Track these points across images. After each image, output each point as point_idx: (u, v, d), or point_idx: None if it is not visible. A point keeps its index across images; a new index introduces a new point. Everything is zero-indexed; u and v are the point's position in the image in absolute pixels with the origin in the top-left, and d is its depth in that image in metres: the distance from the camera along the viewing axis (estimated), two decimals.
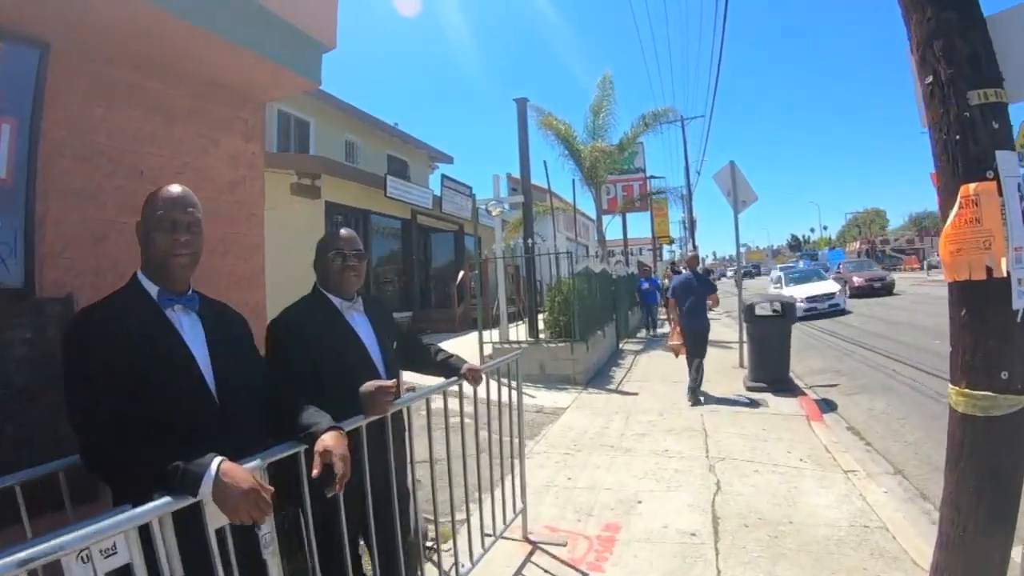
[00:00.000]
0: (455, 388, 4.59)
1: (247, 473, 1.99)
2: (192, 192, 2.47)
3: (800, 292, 23.01)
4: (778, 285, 27.44)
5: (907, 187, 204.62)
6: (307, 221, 15.46)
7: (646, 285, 20.78)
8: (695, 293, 10.41)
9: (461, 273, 14.22)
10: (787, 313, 10.51)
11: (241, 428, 2.35)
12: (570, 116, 21.23)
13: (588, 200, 23.07)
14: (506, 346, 12.29)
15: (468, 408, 4.99)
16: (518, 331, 12.92)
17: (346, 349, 3.17)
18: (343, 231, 3.35)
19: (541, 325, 13.16)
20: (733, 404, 9.74)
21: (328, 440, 2.39)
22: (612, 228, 29.09)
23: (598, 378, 12.52)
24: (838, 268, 34.66)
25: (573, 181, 21.64)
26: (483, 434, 5.13)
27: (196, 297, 2.45)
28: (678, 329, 10.57)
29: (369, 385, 2.92)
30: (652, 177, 30.31)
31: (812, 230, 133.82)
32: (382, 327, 3.41)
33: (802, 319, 18.02)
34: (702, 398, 10.07)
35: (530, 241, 12.93)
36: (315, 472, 2.32)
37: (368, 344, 3.25)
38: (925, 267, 46.33)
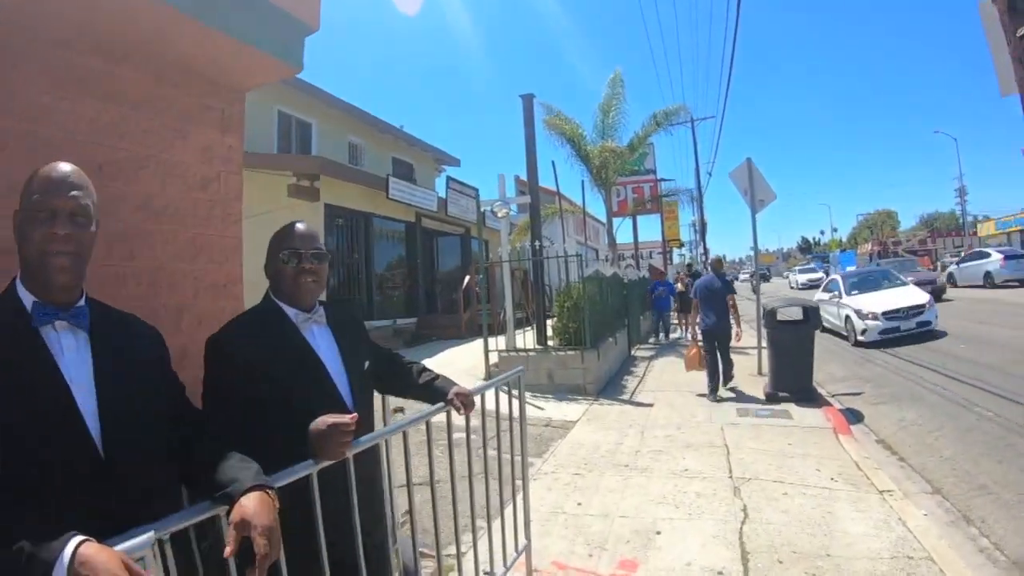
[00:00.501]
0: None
1: (113, 559, 1.38)
2: (82, 172, 1.90)
3: (874, 304, 16.17)
4: (834, 294, 18.62)
5: (917, 188, 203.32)
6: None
7: (659, 289, 19.98)
8: (717, 294, 10.92)
9: (467, 277, 13.74)
10: (810, 318, 9.97)
11: (137, 485, 1.76)
12: (579, 117, 20.49)
13: (598, 202, 22.60)
14: (512, 354, 11.81)
15: (468, 423, 4.40)
16: (525, 338, 12.40)
17: (300, 372, 2.48)
18: (299, 226, 2.68)
19: (550, 332, 12.60)
20: (755, 415, 9.20)
21: (248, 506, 1.75)
22: (622, 231, 28.58)
23: (610, 388, 11.98)
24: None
25: (582, 182, 21.12)
26: (483, 453, 4.80)
27: (86, 309, 1.85)
28: (697, 344, 11.29)
29: (320, 422, 2.21)
30: (663, 180, 29.73)
31: (822, 232, 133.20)
32: (350, 344, 2.73)
33: (875, 345, 15.23)
34: (722, 400, 10.47)
35: (537, 243, 12.40)
36: (227, 551, 1.68)
37: (330, 365, 2.57)
38: (939, 268, 45.45)
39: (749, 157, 12.64)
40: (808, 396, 9.91)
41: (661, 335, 20.18)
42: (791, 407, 9.55)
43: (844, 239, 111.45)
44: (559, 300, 12.20)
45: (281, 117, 18.93)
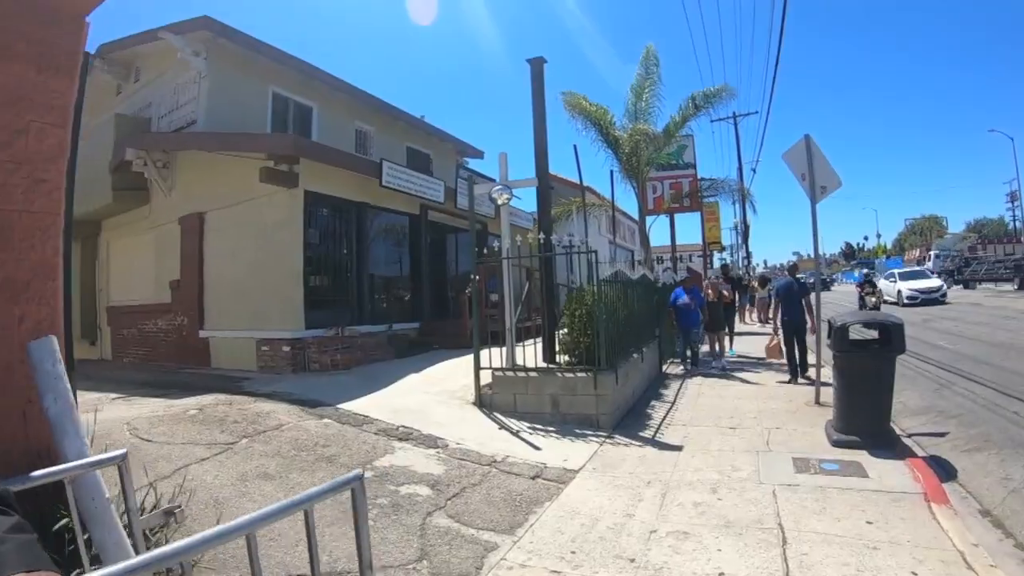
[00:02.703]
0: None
1: None
2: None
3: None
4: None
5: (967, 191, 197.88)
6: (281, 216, 13.20)
7: (684, 299, 14.29)
8: (795, 294, 12.39)
9: (475, 278, 11.67)
10: (892, 339, 7.58)
11: None
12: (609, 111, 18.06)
13: (629, 198, 20.17)
14: (509, 374, 9.61)
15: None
16: (527, 353, 10.14)
17: None
18: None
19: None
20: (818, 471, 6.84)
21: None
22: (660, 232, 26.27)
23: (631, 419, 9.67)
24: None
25: (611, 173, 18.65)
26: None
27: None
28: (778, 338, 13.43)
29: None
30: (703, 180, 27.17)
31: (866, 238, 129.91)
32: None
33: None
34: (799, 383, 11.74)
35: (542, 237, 10.10)
36: None
37: None
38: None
39: (808, 134, 10.32)
40: (885, 442, 7.60)
41: (686, 363, 14.77)
42: (864, 456, 7.23)
43: (889, 245, 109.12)
44: (568, 307, 9.96)
45: (276, 99, 17.17)
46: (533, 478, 6.94)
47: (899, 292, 32.14)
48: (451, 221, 18.03)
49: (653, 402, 10.89)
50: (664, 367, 14.36)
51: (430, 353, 14.49)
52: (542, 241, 9.95)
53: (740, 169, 39.54)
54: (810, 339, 12.07)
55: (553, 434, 8.65)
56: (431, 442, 8.10)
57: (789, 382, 12.17)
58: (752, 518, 5.56)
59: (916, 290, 31.31)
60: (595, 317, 9.23)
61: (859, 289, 26.67)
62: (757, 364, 14.68)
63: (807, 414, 9.45)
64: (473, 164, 25.86)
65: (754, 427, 8.84)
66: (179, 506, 3.40)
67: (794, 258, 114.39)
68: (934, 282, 32.70)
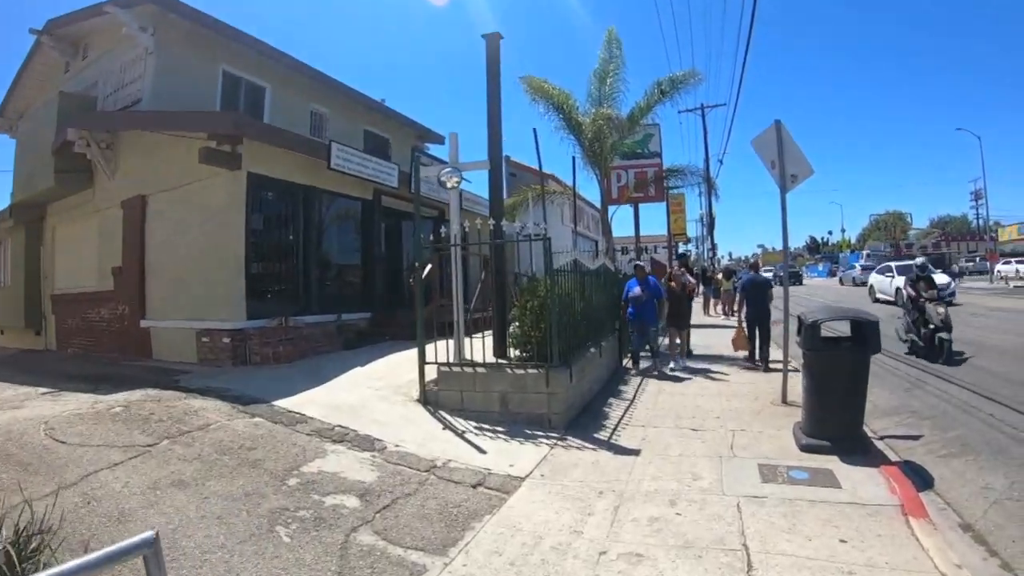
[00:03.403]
0: None
1: None
2: None
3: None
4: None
5: (931, 189, 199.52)
6: (223, 199, 12.49)
7: (635, 290, 12.63)
8: (760, 288, 13.19)
9: (428, 267, 10.97)
10: (868, 338, 7.02)
11: None
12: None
13: (593, 188, 19.56)
14: (456, 370, 8.94)
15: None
16: (479, 346, 9.45)
17: None
18: None
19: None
20: (786, 480, 6.26)
21: None
22: (626, 223, 25.69)
23: (586, 418, 9.03)
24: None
25: (573, 159, 17.89)
26: None
27: None
28: (743, 327, 13.49)
29: None
30: (669, 168, 26.50)
31: (830, 232, 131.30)
32: None
33: None
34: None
35: (492, 223, 9.41)
36: None
37: None
38: (956, 271, 43.56)
39: (779, 120, 9.73)
40: (858, 447, 7.04)
41: (636, 364, 13.23)
42: (835, 463, 6.68)
43: (853, 239, 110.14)
44: (521, 299, 9.29)
45: (227, 79, 16.34)
46: (474, 487, 6.31)
47: (897, 290, 25.70)
48: (407, 207, 17.16)
49: (611, 399, 10.26)
50: (624, 361, 13.70)
51: (381, 345, 13.77)
52: (492, 227, 9.27)
53: (707, 160, 39.14)
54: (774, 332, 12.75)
55: (501, 435, 8.00)
56: (367, 444, 7.44)
57: (755, 368, 12.87)
58: (714, 537, 4.95)
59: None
60: (548, 310, 8.58)
61: (910, 289, 15.41)
62: (721, 359, 14.12)
63: (773, 414, 8.88)
64: (435, 150, 25.21)
65: (717, 429, 8.25)
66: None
67: (759, 251, 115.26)
68: (940, 278, 24.55)
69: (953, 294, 25.53)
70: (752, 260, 21.30)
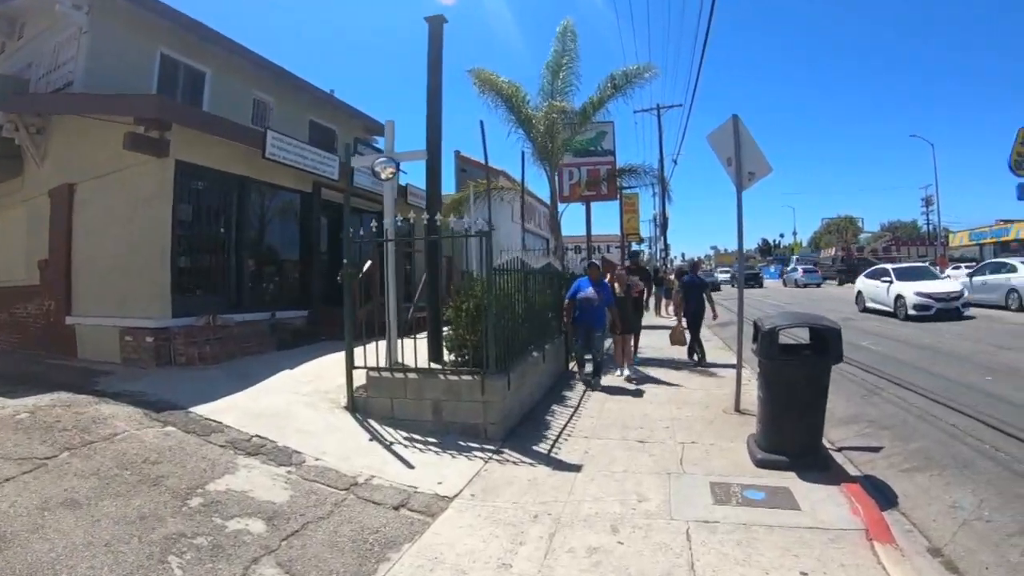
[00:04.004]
0: None
1: None
2: None
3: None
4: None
5: (884, 195, 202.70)
6: (150, 188, 11.61)
7: (588, 291, 11.28)
8: (698, 289, 14.16)
9: (368, 263, 10.30)
10: (829, 347, 6.46)
11: None
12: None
13: (545, 184, 18.98)
14: (386, 375, 8.28)
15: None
16: (417, 349, 8.73)
17: None
18: None
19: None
20: (740, 501, 5.69)
21: None
22: (578, 222, 25.22)
23: (527, 428, 8.41)
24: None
25: (522, 154, 17.17)
26: None
27: None
28: (681, 325, 14.17)
29: None
30: (622, 167, 25.96)
31: (782, 235, 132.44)
32: None
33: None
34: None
35: (427, 218, 8.76)
36: None
37: None
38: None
39: (736, 114, 9.20)
40: (817, 462, 6.53)
41: (587, 373, 11.68)
42: (793, 481, 6.16)
43: (805, 243, 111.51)
44: (455, 301, 8.61)
45: (165, 62, 15.37)
46: (396, 508, 5.66)
47: (898, 298, 21.83)
48: (351, 201, 16.56)
49: (554, 407, 9.64)
50: (571, 365, 13.03)
51: (317, 345, 13.03)
52: (426, 222, 8.62)
53: (661, 161, 38.85)
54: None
55: (432, 447, 7.34)
56: (284, 457, 6.76)
57: (690, 360, 13.80)
58: (660, 572, 4.37)
59: (929, 295, 20.91)
60: (484, 312, 7.94)
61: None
62: (672, 363, 13.60)
63: (726, 424, 8.35)
64: (383, 144, 24.43)
65: (666, 440, 7.68)
66: None
67: (712, 252, 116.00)
68: (950, 284, 22.44)
69: (966, 305, 21.27)
70: (692, 262, 21.74)
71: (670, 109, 41.20)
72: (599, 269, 11.87)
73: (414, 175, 23.16)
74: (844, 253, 76.53)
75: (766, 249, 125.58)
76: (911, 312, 20.80)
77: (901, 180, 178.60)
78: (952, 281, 23.55)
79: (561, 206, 18.91)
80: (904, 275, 23.01)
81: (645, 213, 55.86)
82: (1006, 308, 22.56)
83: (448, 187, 24.58)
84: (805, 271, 57.62)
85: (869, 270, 27.20)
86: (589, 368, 11.50)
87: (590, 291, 11.29)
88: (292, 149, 13.90)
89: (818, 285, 53.97)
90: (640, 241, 57.13)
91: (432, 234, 8.93)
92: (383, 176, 9.25)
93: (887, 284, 23.02)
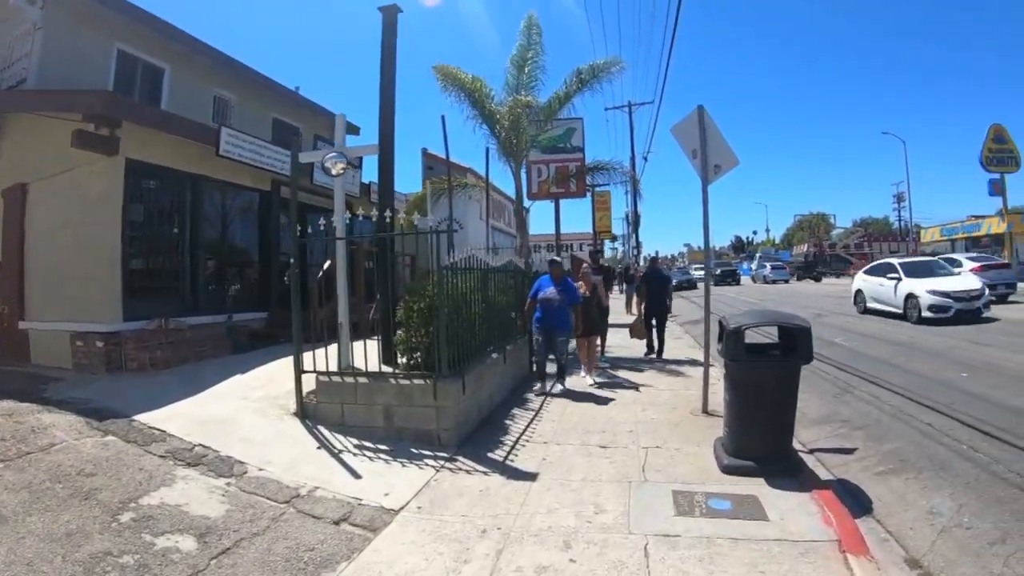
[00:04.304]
0: None
1: None
2: None
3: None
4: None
5: (856, 192, 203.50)
6: (101, 188, 11.19)
7: (549, 291, 10.57)
8: (659, 284, 14.58)
9: (327, 263, 9.91)
10: (798, 346, 6.13)
11: None
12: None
13: (512, 181, 18.61)
14: (335, 379, 7.87)
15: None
16: (364, 353, 8.31)
17: None
18: None
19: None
20: (705, 512, 5.33)
21: None
22: (549, 220, 24.73)
23: (484, 432, 8.02)
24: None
25: (487, 150, 16.66)
26: None
27: None
28: (641, 319, 14.41)
29: None
30: (593, 166, 25.49)
31: (755, 232, 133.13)
32: None
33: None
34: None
35: (376, 214, 8.34)
36: None
37: None
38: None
39: (701, 105, 8.87)
40: (787, 467, 6.18)
41: (544, 381, 10.81)
42: (762, 488, 5.80)
43: (778, 239, 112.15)
44: (408, 302, 8.18)
45: (122, 58, 14.80)
46: (337, 523, 5.28)
47: (909, 297, 19.00)
48: (310, 199, 15.91)
49: (515, 409, 9.26)
50: (534, 366, 12.61)
51: (274, 347, 12.53)
52: (377, 219, 8.20)
53: (633, 158, 38.69)
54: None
55: (383, 455, 6.94)
56: (226, 468, 6.36)
57: (647, 355, 14.31)
58: None
59: (947, 294, 18.12)
60: (436, 312, 7.52)
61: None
62: (639, 361, 13.29)
63: (693, 427, 8.00)
64: (351, 141, 24.00)
65: (629, 445, 7.31)
66: None
67: (685, 249, 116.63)
68: (969, 281, 19.36)
69: (987, 305, 18.45)
70: (650, 258, 23.16)
71: (641, 106, 41.07)
72: (561, 267, 11.05)
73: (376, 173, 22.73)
74: (816, 249, 77.03)
75: (739, 246, 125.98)
76: (926, 314, 17.96)
77: (873, 177, 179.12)
78: (971, 277, 20.36)
79: (529, 203, 18.58)
80: (914, 271, 20.07)
81: (618, 211, 55.81)
82: None
83: (416, 185, 24.11)
84: (773, 268, 59.75)
85: (870, 266, 24.32)
86: (552, 368, 10.90)
87: (551, 291, 10.59)
88: (248, 146, 13.47)
89: (786, 281, 55.64)
90: (613, 239, 57.02)
91: (384, 231, 8.47)
92: (333, 172, 8.83)
93: (894, 282, 20.06)
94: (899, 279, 19.89)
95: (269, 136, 17.21)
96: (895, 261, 22.09)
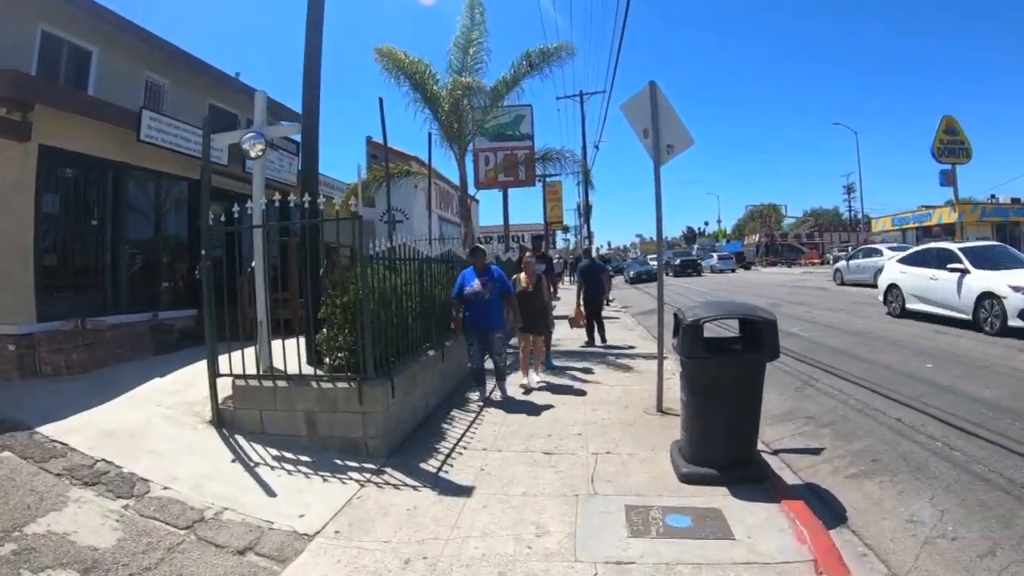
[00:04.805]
0: None
1: None
2: None
3: None
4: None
5: (808, 183, 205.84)
6: (10, 177, 10.23)
7: (474, 284, 9.06)
8: (596, 273, 14.83)
9: (204, 253, 9.07)
10: (764, 341, 5.46)
11: None
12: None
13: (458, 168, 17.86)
14: (253, 383, 7.11)
15: None
16: (289, 352, 7.60)
17: None
18: None
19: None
20: (661, 530, 4.68)
21: None
22: (498, 211, 24.16)
23: (419, 438, 7.28)
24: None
25: (429, 135, 15.76)
26: None
27: None
28: (580, 309, 14.33)
29: None
30: (543, 154, 24.68)
31: (706, 223, 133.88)
32: None
33: None
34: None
35: (293, 200, 7.56)
36: None
37: None
38: (831, 260, 45.44)
39: (653, 80, 8.20)
40: (751, 473, 5.58)
41: (482, 386, 9.46)
42: (725, 499, 5.21)
43: (729, 230, 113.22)
44: (330, 298, 7.38)
45: (46, 40, 13.75)
46: (242, 552, 4.56)
47: (985, 298, 13.41)
48: (241, 188, 15.01)
49: (454, 411, 8.52)
50: (486, 362, 11.82)
51: (201, 347, 11.73)
52: (293, 204, 7.40)
53: (584, 148, 38.29)
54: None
55: (303, 468, 6.19)
56: (126, 488, 5.57)
57: (586, 345, 14.43)
58: None
59: None
60: (360, 307, 6.72)
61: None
62: (590, 355, 12.61)
63: (647, 427, 7.37)
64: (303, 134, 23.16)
65: (577, 451, 6.64)
66: None
67: (637, 240, 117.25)
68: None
69: None
70: (584, 248, 25.58)
71: (593, 96, 40.74)
72: (485, 255, 9.56)
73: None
74: (768, 239, 77.85)
75: (691, 236, 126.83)
76: (1014, 323, 12.39)
77: (825, 168, 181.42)
78: None
79: (475, 191, 17.88)
80: (984, 259, 14.64)
81: (569, 202, 55.55)
82: (873, 286, 20.45)
83: (342, 171, 23.24)
84: (720, 258, 61.25)
85: (910, 252, 18.41)
86: (490, 370, 9.61)
87: (476, 284, 9.09)
88: (173, 131, 12.63)
89: (732, 271, 57.42)
90: (565, 230, 56.68)
91: (313, 218, 7.69)
92: (252, 154, 8.06)
93: (958, 275, 14.42)
94: (964, 271, 14.28)
95: (206, 122, 16.30)
96: (953, 246, 16.13)
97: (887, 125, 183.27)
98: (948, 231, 40.20)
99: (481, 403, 8.98)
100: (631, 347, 13.74)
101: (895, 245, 30.20)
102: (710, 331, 5.68)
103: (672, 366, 8.68)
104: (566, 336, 15.09)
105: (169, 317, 12.75)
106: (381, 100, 12.77)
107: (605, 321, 15.24)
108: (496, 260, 12.91)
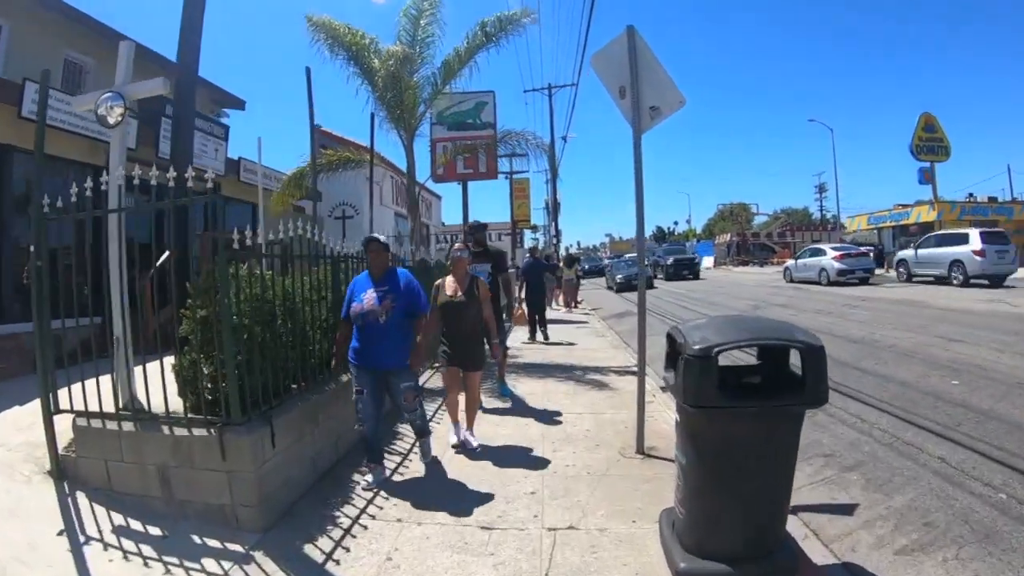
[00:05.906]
0: None
1: None
2: None
3: None
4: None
5: (780, 182, 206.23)
6: None
7: (365, 299, 5.64)
8: (537, 273, 15.54)
9: (165, 254, 7.09)
10: (807, 378, 3.52)
11: None
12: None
13: (424, 164, 16.19)
14: (96, 423, 5.26)
15: None
16: (164, 378, 5.59)
17: None
18: None
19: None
20: None
21: None
22: (455, 207, 22.46)
23: (313, 503, 5.30)
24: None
25: (372, 116, 13.70)
26: None
27: None
28: (522, 309, 14.49)
29: None
30: (504, 136, 22.53)
31: (676, 222, 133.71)
32: None
33: None
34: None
35: (156, 175, 5.74)
36: None
37: None
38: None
39: (632, 25, 6.39)
40: (781, 561, 3.76)
41: (363, 424, 5.87)
42: None
43: (699, 229, 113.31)
44: (190, 307, 5.27)
45: None
46: None
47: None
48: (163, 178, 13.30)
49: (367, 463, 6.09)
50: (423, 378, 9.55)
51: (92, 364, 9.77)
52: (155, 181, 5.58)
53: (552, 141, 37.18)
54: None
55: (150, 548, 4.37)
56: None
57: (530, 341, 15.11)
58: None
59: None
60: (220, 325, 4.78)
61: None
62: (549, 368, 10.81)
63: (626, 480, 5.55)
64: (235, 117, 21.50)
65: (527, 524, 4.72)
66: None
67: (607, 239, 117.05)
68: None
69: None
70: (531, 247, 25.87)
71: (561, 88, 39.97)
72: (385, 251, 5.98)
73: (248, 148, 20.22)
74: (739, 239, 77.33)
75: (660, 236, 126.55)
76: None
77: (798, 166, 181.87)
78: None
79: (424, 180, 16.19)
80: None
81: (537, 200, 54.38)
82: (818, 283, 27.55)
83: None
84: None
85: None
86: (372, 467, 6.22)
87: (368, 297, 5.70)
88: (63, 107, 10.76)
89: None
90: (533, 229, 55.41)
91: (182, 198, 5.82)
92: (111, 120, 6.20)
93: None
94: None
95: (137, 108, 14.41)
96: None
97: (861, 125, 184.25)
98: (925, 231, 39.50)
99: (375, 488, 5.61)
100: (602, 359, 11.95)
101: (838, 246, 33.44)
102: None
103: (652, 384, 6.92)
104: (524, 346, 14.23)
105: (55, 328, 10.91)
106: (308, 70, 11.09)
107: (571, 326, 17.18)
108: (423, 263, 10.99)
